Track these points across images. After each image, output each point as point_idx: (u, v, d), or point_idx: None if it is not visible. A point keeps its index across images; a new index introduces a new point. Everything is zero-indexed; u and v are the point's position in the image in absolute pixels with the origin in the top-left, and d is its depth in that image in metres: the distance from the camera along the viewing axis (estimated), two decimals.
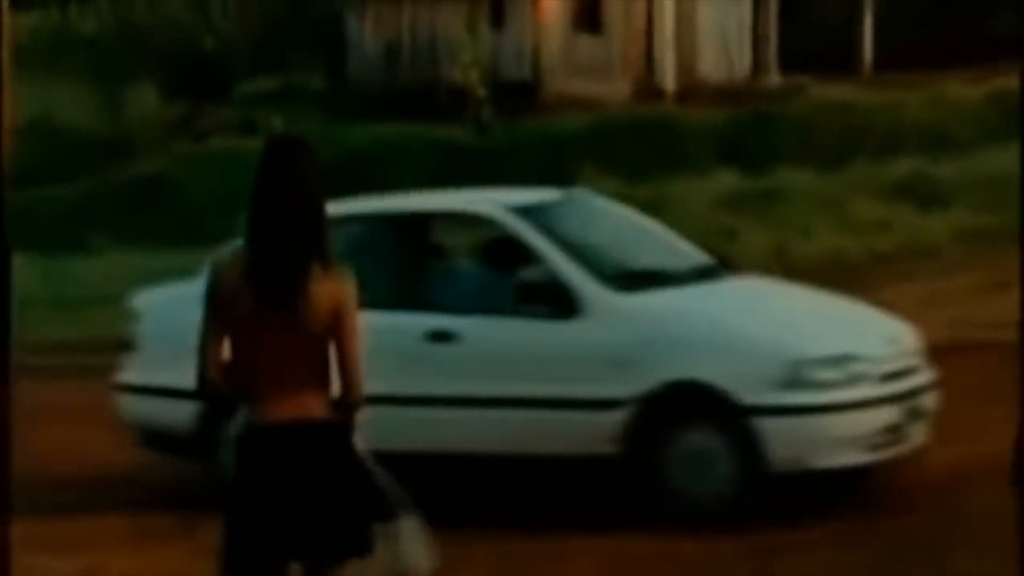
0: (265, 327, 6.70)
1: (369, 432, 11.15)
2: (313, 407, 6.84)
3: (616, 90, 44.79)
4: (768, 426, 11.04)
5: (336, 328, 6.83)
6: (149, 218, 34.13)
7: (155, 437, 12.96)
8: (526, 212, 12.11)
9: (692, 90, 44.46)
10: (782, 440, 11.01)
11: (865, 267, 23.88)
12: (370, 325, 11.61)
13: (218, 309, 6.76)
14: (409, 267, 12.08)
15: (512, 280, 12.11)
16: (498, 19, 46.64)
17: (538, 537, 11.42)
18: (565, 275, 11.51)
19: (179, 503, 12.80)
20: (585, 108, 41.52)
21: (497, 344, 11.72)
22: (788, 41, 45.52)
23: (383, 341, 11.67)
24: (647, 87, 45.38)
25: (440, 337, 11.69)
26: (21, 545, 4.79)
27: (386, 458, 11.23)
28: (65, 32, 59.97)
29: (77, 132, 42.87)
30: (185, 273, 14.30)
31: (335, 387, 6.92)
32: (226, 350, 6.88)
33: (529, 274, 11.84)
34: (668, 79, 45.29)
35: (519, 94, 43.24)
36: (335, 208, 12.89)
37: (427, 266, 12.21)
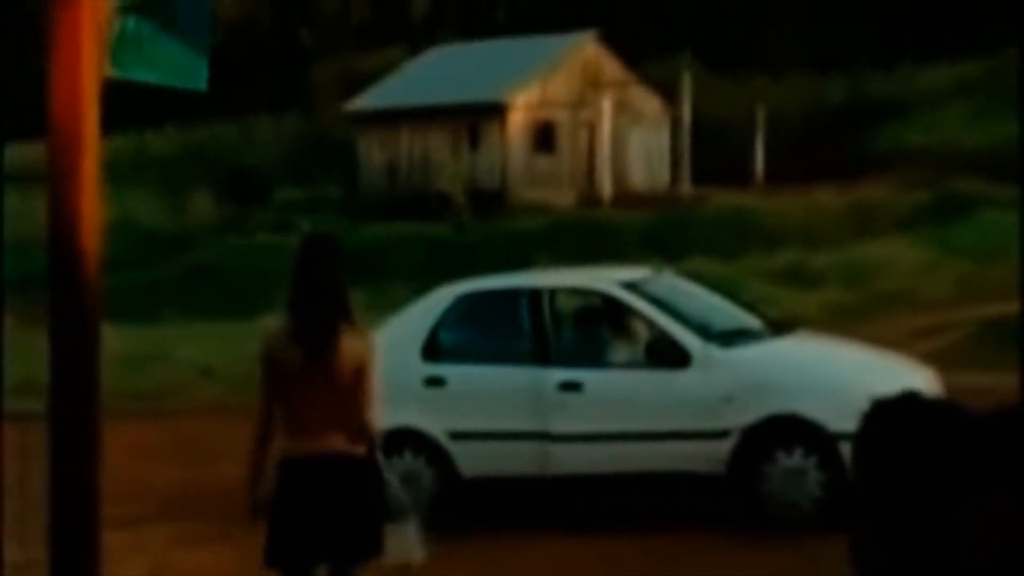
0: (309, 380, 6.89)
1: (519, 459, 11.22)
2: (338, 443, 6.95)
3: (565, 197, 44.88)
4: (850, 449, 10.94)
5: (359, 377, 6.96)
6: (206, 296, 34.10)
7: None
8: (631, 287, 12.12)
9: (624, 198, 44.54)
10: None
11: None
12: (511, 376, 11.69)
13: (271, 368, 6.95)
14: (542, 330, 11.96)
15: (620, 339, 12.15)
16: (474, 142, 46.75)
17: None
18: (677, 335, 11.46)
19: (218, 516, 12.71)
20: (541, 212, 41.58)
21: (622, 391, 11.65)
22: (698, 159, 45.66)
23: (522, 389, 11.73)
24: (589, 195, 45.48)
25: (569, 387, 11.62)
26: (105, 548, 4.78)
27: (543, 480, 11.26)
28: (141, 152, 59.93)
29: (150, 230, 42.85)
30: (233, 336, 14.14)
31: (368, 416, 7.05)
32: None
33: (644, 335, 11.82)
34: (606, 189, 45.40)
35: (491, 200, 43.32)
36: (483, 284, 12.95)
37: (555, 329, 12.10)
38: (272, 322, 7.31)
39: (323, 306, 6.91)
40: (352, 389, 6.95)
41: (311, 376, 6.89)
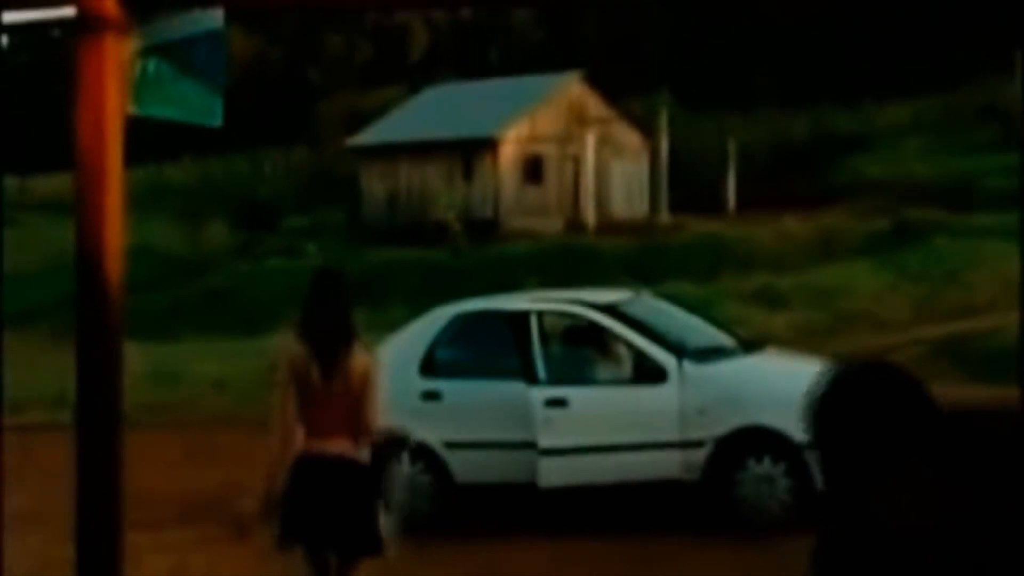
0: (323, 393, 7.31)
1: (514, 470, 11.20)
2: (344, 447, 7.35)
3: (553, 225, 44.88)
4: (815, 457, 10.92)
5: (365, 388, 7.35)
6: (220, 316, 34.07)
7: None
8: (613, 308, 12.12)
9: (607, 225, 44.55)
10: None
11: None
12: (502, 391, 11.65)
13: (293, 382, 7.33)
14: (529, 349, 11.93)
15: (602, 357, 12.14)
16: (468, 174, 46.75)
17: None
18: (653, 354, 11.45)
19: (232, 518, 12.69)
20: (531, 238, 41.58)
21: (605, 406, 11.62)
22: (675, 190, 45.70)
23: (512, 403, 11.68)
24: (575, 223, 45.47)
25: (555, 403, 11.59)
26: (129, 549, 4.78)
27: (532, 488, 11.22)
28: (160, 183, 59.90)
29: (169, 255, 42.80)
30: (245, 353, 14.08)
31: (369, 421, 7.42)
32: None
33: (625, 354, 11.80)
34: (590, 217, 45.41)
35: (484, 228, 43.31)
36: (476, 305, 12.92)
37: (543, 348, 12.06)
38: (286, 340, 7.59)
39: (333, 330, 7.35)
40: (358, 399, 7.34)
41: (325, 389, 7.30)
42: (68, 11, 4.81)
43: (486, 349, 12.69)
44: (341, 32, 73.54)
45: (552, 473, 11.50)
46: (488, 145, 45.99)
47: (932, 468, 2.88)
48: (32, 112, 64.92)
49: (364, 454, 7.38)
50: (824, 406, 2.96)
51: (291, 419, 7.33)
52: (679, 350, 11.70)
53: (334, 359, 7.30)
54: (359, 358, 7.36)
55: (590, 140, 46.48)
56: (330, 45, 73.80)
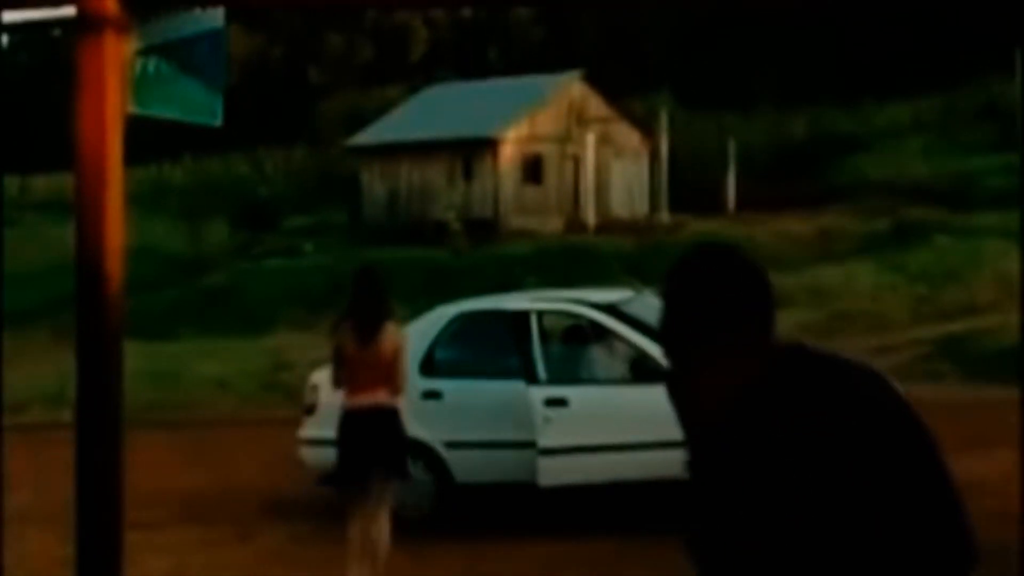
0: (362, 358, 9.64)
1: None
2: (382, 397, 9.72)
3: (552, 225, 44.90)
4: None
5: (396, 355, 9.69)
6: (220, 315, 34.07)
7: (330, 477, 12.67)
8: (613, 307, 12.08)
9: (607, 225, 44.57)
10: None
11: None
12: (502, 391, 11.60)
13: (340, 352, 9.72)
14: (529, 348, 11.90)
15: (602, 357, 12.11)
16: (468, 174, 46.77)
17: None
18: (653, 353, 11.39)
19: (234, 518, 12.71)
20: (531, 238, 41.60)
21: (604, 405, 11.57)
22: (675, 189, 45.73)
23: (512, 403, 11.65)
24: (575, 223, 45.50)
25: (555, 402, 11.55)
26: (129, 549, 4.77)
27: (531, 486, 11.21)
28: (160, 182, 59.91)
29: (169, 255, 42.79)
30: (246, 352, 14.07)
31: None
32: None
33: (624, 353, 11.76)
34: (590, 217, 45.43)
35: (484, 227, 43.33)
36: (476, 305, 12.91)
37: (543, 348, 12.03)
38: (341, 327, 9.85)
39: (369, 312, 9.66)
40: (390, 364, 9.66)
41: (365, 356, 9.62)
42: (68, 10, 4.80)
43: (486, 349, 12.69)
44: (341, 32, 73.55)
45: (552, 473, 11.49)
46: (488, 145, 45.99)
47: (754, 357, 2.91)
48: (32, 111, 64.92)
49: (396, 402, 9.77)
50: (668, 284, 3.01)
51: (340, 377, 9.76)
52: None
53: (370, 334, 9.60)
54: (390, 334, 9.66)
55: (590, 140, 46.50)
56: (330, 45, 73.81)
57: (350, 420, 9.77)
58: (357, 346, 9.60)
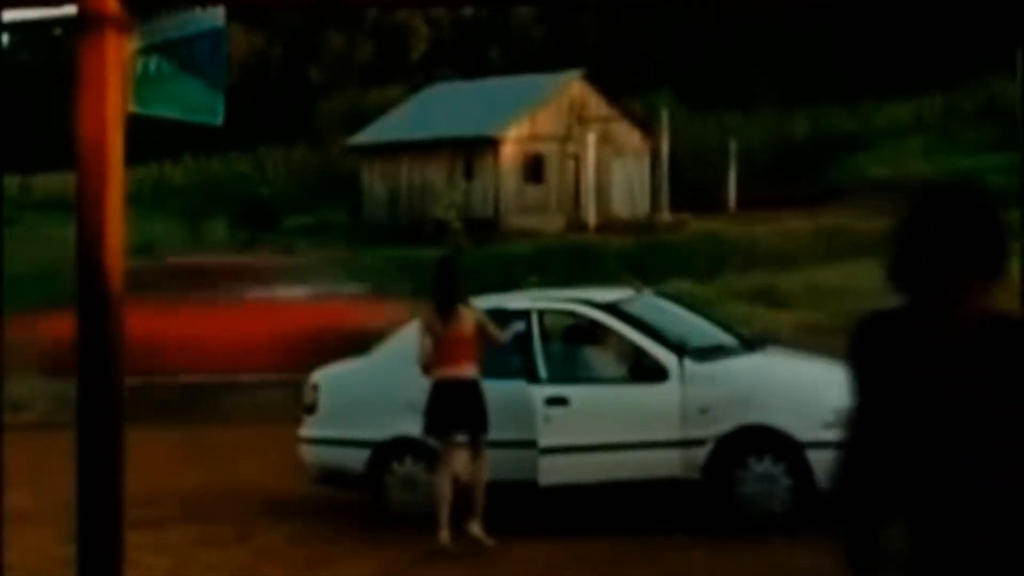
0: (448, 335, 11.07)
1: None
2: (464, 370, 11.11)
3: (553, 224, 44.91)
4: (816, 456, 10.88)
5: (478, 331, 11.15)
6: None
7: (329, 476, 12.62)
8: (614, 307, 12.07)
9: (608, 224, 44.59)
10: (827, 467, 10.76)
11: None
12: (503, 390, 11.58)
13: (429, 332, 11.11)
14: (530, 347, 11.88)
15: (603, 356, 12.10)
16: (469, 173, 46.80)
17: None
18: (654, 352, 11.40)
19: (235, 517, 12.68)
20: (531, 237, 41.62)
21: (606, 404, 11.56)
22: (675, 188, 45.74)
23: (512, 402, 11.63)
24: (575, 222, 45.52)
25: (556, 401, 11.53)
26: (129, 548, 4.77)
27: (532, 486, 11.20)
28: (161, 181, 59.96)
29: (170, 254, 42.74)
30: None
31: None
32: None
33: (625, 352, 11.75)
34: (590, 216, 45.44)
35: (484, 227, 43.33)
36: (476, 304, 12.92)
37: (543, 347, 12.01)
38: (423, 312, 11.30)
39: (447, 296, 11.11)
40: (471, 340, 11.09)
41: (447, 334, 11.04)
42: (69, 9, 4.80)
43: (487, 347, 12.68)
44: (342, 31, 73.59)
45: (552, 472, 11.47)
46: (489, 144, 46.01)
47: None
48: (33, 111, 64.94)
49: (475, 374, 11.09)
50: (906, 222, 3.43)
51: (428, 356, 11.07)
52: (680, 349, 11.66)
53: (449, 316, 11.04)
54: (466, 314, 11.10)
55: (591, 139, 46.49)
56: (331, 44, 73.84)
57: (439, 389, 11.12)
58: (441, 326, 11.06)
